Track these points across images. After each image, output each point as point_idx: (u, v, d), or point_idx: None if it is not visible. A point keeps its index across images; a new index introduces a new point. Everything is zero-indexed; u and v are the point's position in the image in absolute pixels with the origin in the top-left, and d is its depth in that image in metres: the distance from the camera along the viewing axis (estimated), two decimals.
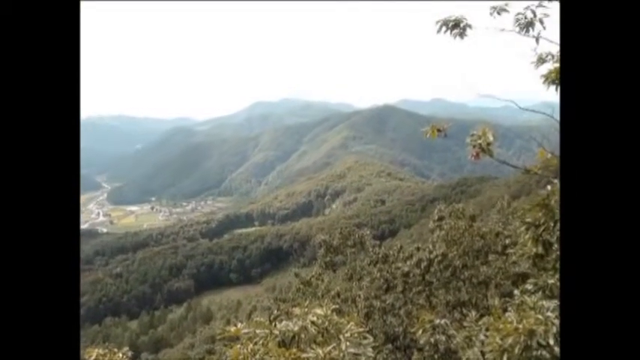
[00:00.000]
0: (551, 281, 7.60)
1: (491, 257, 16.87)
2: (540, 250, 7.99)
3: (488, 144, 7.82)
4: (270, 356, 5.48)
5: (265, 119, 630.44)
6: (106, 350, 7.35)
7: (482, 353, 7.20)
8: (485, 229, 17.40)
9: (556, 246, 7.76)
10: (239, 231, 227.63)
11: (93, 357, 7.16)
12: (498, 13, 8.42)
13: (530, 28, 8.39)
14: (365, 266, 18.87)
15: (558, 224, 7.39)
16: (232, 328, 5.98)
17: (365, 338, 5.92)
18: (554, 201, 7.51)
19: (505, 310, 6.93)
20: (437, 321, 9.56)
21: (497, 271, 16.31)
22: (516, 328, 6.04)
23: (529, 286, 7.74)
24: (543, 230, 7.88)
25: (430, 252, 17.40)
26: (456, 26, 8.87)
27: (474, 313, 8.62)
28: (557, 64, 8.01)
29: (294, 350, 5.52)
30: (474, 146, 7.90)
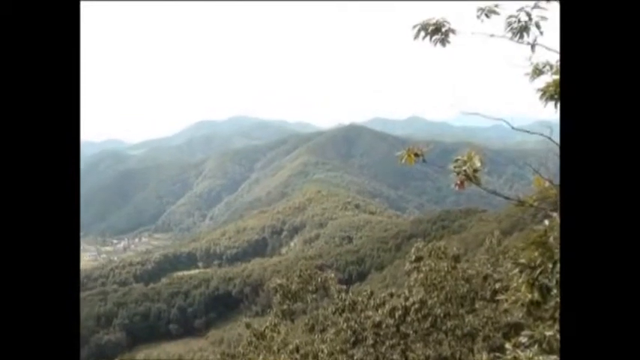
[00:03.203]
0: (549, 333, 7.57)
1: (478, 305, 16.91)
2: (536, 296, 7.96)
3: (475, 170, 7.80)
4: None
5: (210, 141, 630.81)
6: None
7: None
8: (472, 271, 17.46)
9: (555, 291, 7.74)
10: (180, 273, 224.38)
11: None
12: (487, 16, 8.40)
13: (525, 34, 8.37)
14: (329, 315, 18.80)
15: (558, 266, 7.38)
16: None
17: None
18: (553, 238, 7.52)
19: None
20: None
21: (485, 321, 16.34)
22: None
23: (523, 339, 7.71)
24: (540, 273, 7.87)
25: (406, 298, 17.41)
26: (437, 31, 8.84)
27: None
28: (557, 76, 8.04)
29: None
30: (458, 173, 7.88)
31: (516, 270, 8.14)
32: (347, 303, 18.49)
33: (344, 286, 20.24)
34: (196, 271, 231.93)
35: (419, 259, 18.52)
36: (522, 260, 7.99)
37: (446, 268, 17.30)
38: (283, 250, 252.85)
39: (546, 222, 7.73)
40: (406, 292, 17.82)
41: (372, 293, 19.18)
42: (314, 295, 19.53)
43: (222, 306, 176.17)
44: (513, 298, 8.54)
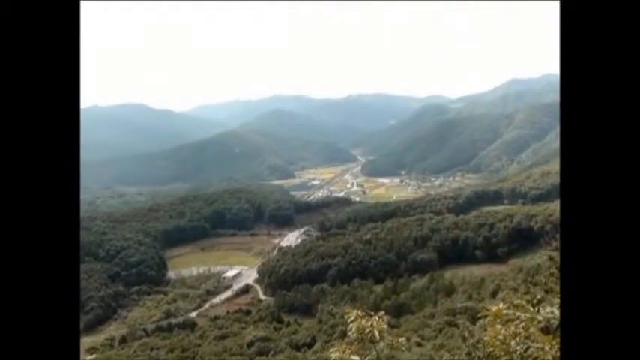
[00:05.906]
0: None
1: None
2: None
3: None
4: None
5: (522, 97, 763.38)
6: None
7: None
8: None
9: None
10: (487, 208, 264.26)
11: None
12: None
13: None
14: None
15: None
16: None
17: None
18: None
19: None
20: None
21: None
22: None
23: None
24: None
25: None
26: None
27: None
28: None
29: None
30: None
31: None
32: None
33: None
34: (501, 207, 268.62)
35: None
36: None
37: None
38: None
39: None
40: None
41: None
42: None
43: (524, 239, 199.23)
44: None
